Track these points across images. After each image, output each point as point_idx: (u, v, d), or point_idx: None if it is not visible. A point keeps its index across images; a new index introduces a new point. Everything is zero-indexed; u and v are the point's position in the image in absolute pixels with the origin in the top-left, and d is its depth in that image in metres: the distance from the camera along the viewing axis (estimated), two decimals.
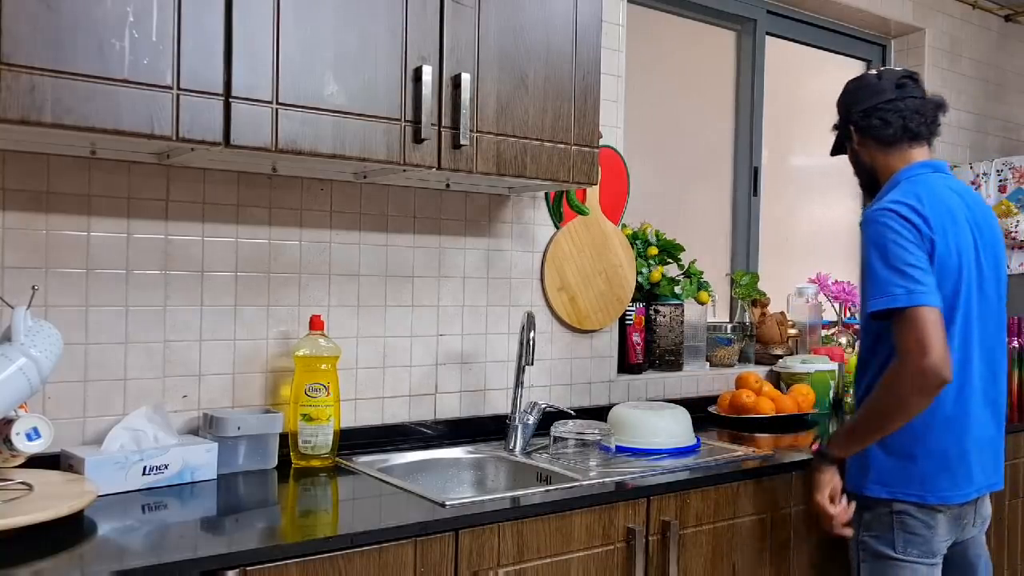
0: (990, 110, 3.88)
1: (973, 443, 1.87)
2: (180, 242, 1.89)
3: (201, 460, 1.78)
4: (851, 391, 2.88)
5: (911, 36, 3.64)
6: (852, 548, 1.96)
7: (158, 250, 1.87)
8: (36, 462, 1.60)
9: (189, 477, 1.76)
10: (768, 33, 3.30)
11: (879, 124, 1.94)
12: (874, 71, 2.04)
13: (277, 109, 1.61)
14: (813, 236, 3.56)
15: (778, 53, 3.36)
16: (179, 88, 1.51)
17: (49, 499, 1.45)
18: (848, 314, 3.32)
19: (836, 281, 3.29)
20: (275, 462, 1.92)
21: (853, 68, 3.67)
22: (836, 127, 2.10)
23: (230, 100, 1.56)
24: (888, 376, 1.79)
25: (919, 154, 1.96)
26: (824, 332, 3.20)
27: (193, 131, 1.53)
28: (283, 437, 1.94)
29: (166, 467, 1.72)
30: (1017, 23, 3.97)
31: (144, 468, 1.69)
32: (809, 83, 3.56)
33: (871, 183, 2.03)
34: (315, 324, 1.97)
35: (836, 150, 2.14)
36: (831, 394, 2.91)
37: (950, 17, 3.69)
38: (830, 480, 1.95)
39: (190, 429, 1.90)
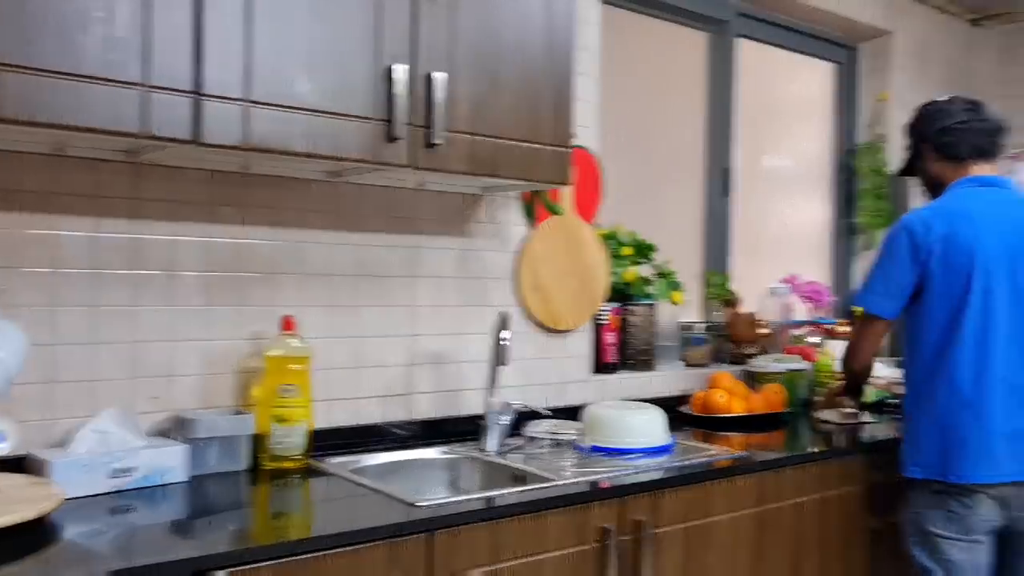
0: None
1: (998, 430, 2.05)
2: (149, 241, 1.86)
3: (171, 462, 1.75)
4: (824, 388, 2.94)
5: (880, 39, 3.68)
6: (903, 524, 2.22)
7: (127, 249, 1.84)
8: (1, 465, 1.57)
9: (159, 480, 1.73)
10: (739, 35, 3.32)
11: (952, 142, 2.22)
12: (945, 97, 2.33)
13: (249, 107, 1.59)
14: (784, 236, 3.59)
15: (750, 55, 3.39)
16: (148, 85, 1.49)
17: (15, 503, 1.42)
18: (819, 314, 3.35)
19: (807, 281, 3.32)
20: (246, 464, 1.90)
21: (824, 70, 3.71)
22: (909, 147, 2.36)
23: (200, 97, 1.54)
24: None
25: (980, 169, 2.22)
26: (795, 332, 3.23)
27: (162, 128, 1.51)
28: (255, 439, 1.92)
29: (135, 470, 1.70)
30: (983, 28, 4.03)
31: (112, 471, 1.67)
32: (780, 85, 3.59)
33: (935, 192, 2.31)
34: (287, 324, 1.95)
35: (905, 171, 2.42)
36: (802, 393, 2.93)
37: (918, 21, 3.74)
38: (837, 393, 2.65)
39: (160, 431, 1.87)
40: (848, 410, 2.67)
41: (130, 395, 1.84)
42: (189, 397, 1.92)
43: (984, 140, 2.22)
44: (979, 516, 2.07)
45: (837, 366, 2.94)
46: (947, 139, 2.23)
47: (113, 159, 1.80)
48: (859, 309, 2.29)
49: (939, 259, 2.11)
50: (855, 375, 2.40)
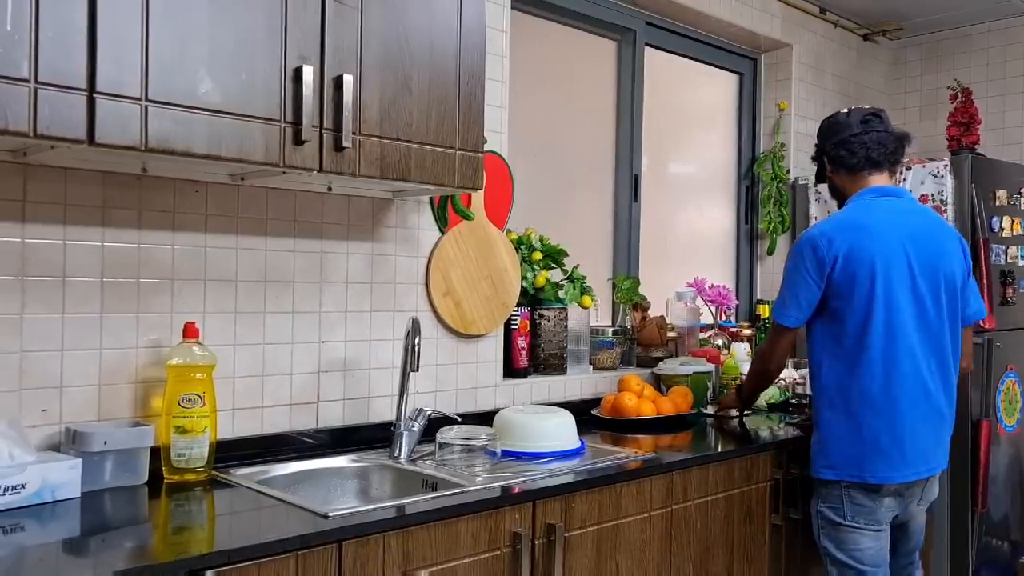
0: None
1: (907, 435, 2.19)
2: (39, 246, 1.77)
3: (63, 478, 1.67)
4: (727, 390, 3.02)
5: (780, 51, 3.82)
6: (813, 519, 2.33)
7: (14, 254, 1.74)
8: None
9: (50, 496, 1.64)
10: (647, 44, 3.39)
11: (846, 155, 2.31)
12: (845, 110, 2.40)
13: (147, 106, 1.53)
14: (690, 241, 3.68)
15: (657, 63, 3.46)
16: (37, 81, 1.41)
17: None
18: (723, 317, 3.45)
19: (712, 285, 3.40)
20: (145, 477, 1.82)
21: (727, 80, 3.82)
22: (814, 158, 2.47)
23: (94, 95, 1.47)
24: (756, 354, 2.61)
25: (877, 180, 2.32)
26: (701, 335, 3.31)
27: (52, 127, 1.43)
28: (155, 451, 1.85)
29: (23, 486, 1.61)
30: (873, 42, 4.24)
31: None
32: (686, 93, 3.68)
33: (841, 200, 2.42)
34: (189, 332, 1.89)
35: (819, 179, 2.50)
36: (708, 395, 3.00)
37: (814, 34, 3.90)
38: (731, 403, 2.77)
39: (51, 445, 1.78)
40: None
41: (17, 407, 1.74)
42: (84, 409, 1.83)
43: (877, 152, 2.29)
44: (885, 508, 2.25)
45: (743, 368, 3.04)
46: (842, 151, 2.32)
47: None
48: (770, 317, 2.41)
49: (841, 271, 2.20)
50: (767, 374, 2.52)
